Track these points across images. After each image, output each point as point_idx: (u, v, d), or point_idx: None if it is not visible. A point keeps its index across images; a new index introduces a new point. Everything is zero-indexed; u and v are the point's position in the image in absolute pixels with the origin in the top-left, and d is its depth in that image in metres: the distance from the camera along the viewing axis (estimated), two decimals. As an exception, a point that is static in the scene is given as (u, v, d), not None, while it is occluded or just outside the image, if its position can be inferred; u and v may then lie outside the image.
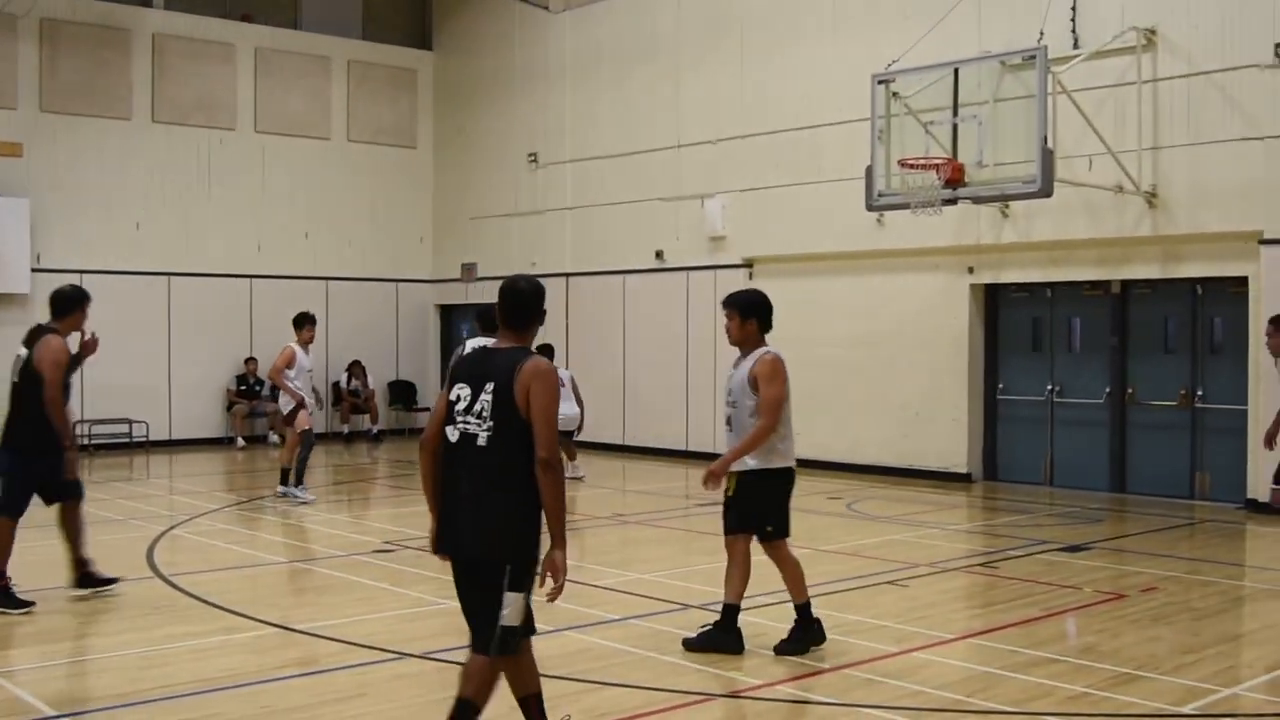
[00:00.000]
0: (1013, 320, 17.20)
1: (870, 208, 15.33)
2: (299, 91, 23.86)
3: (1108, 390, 16.08)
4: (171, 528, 13.30)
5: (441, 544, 5.72)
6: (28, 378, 9.33)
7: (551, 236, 22.81)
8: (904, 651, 8.03)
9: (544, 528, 5.51)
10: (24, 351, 9.51)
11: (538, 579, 5.53)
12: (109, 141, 21.77)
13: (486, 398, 5.50)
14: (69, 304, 9.67)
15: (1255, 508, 14.23)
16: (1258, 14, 14.22)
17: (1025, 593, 10.00)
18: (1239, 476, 14.63)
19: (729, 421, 8.22)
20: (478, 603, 5.59)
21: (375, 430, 23.83)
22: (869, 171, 14.93)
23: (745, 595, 8.10)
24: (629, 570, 11.15)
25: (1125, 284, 16.03)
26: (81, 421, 21.14)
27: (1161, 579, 10.52)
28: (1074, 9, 15.57)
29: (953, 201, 14.37)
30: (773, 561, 8.15)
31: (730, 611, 8.01)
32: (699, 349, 19.97)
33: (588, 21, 22.19)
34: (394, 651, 7.99)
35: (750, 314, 8.19)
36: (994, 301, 17.29)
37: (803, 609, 8.06)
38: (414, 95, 25.32)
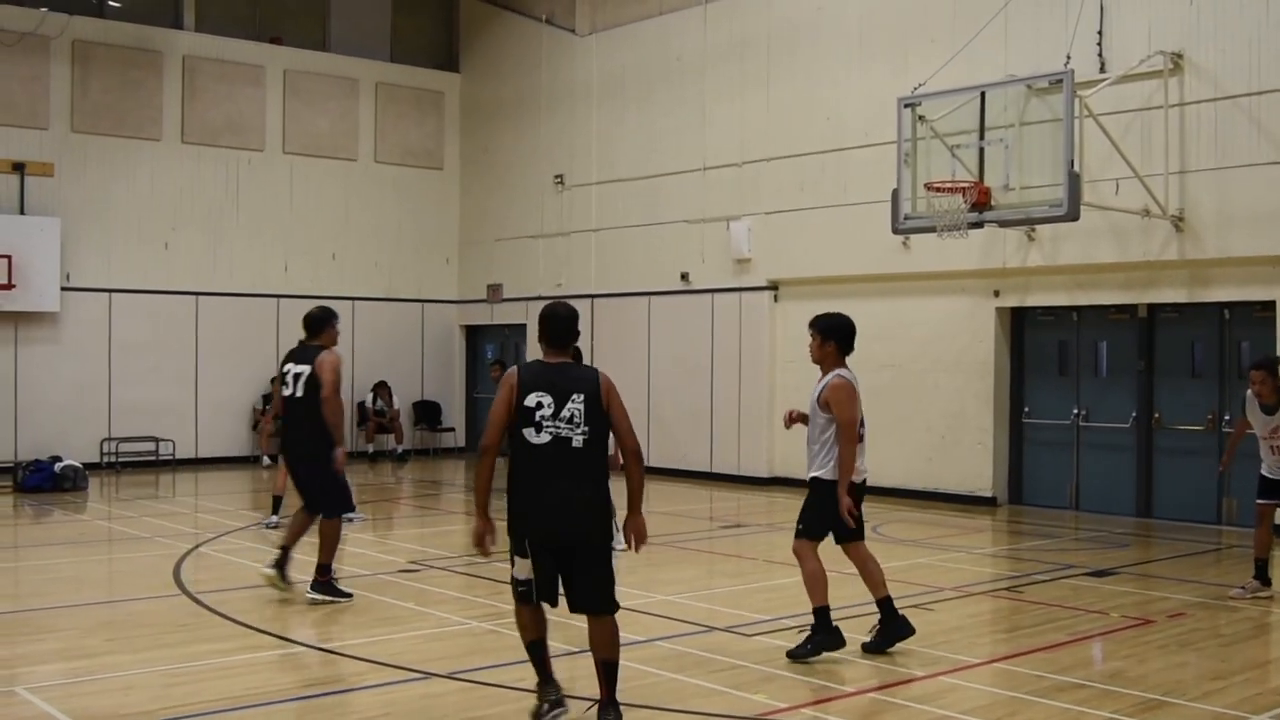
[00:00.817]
0: (1039, 344, 17.16)
1: (896, 231, 15.34)
2: (327, 113, 24.02)
3: (1134, 414, 16.02)
4: (198, 545, 13.36)
5: (528, 532, 6.63)
6: (311, 387, 10.28)
7: (577, 258, 22.88)
8: (929, 676, 8.01)
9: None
10: (300, 369, 10.47)
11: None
12: (139, 162, 21.94)
13: (577, 406, 6.57)
14: (321, 323, 10.78)
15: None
16: (1286, 38, 14.20)
17: (1051, 617, 9.96)
18: None
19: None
20: (582, 577, 6.70)
21: (400, 450, 23.89)
22: (895, 194, 14.94)
23: (762, 613, 8.08)
24: (653, 592, 11.15)
25: (1152, 308, 15.98)
26: (108, 439, 21.28)
27: (1189, 604, 10.47)
28: (1100, 33, 15.58)
29: (979, 225, 14.36)
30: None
31: (821, 614, 8.45)
32: (724, 371, 19.99)
33: (614, 44, 22.29)
34: (420, 671, 8.01)
35: (830, 336, 8.85)
36: (1020, 325, 17.26)
37: (822, 611, 8.52)
38: (441, 117, 25.45)
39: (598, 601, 6.70)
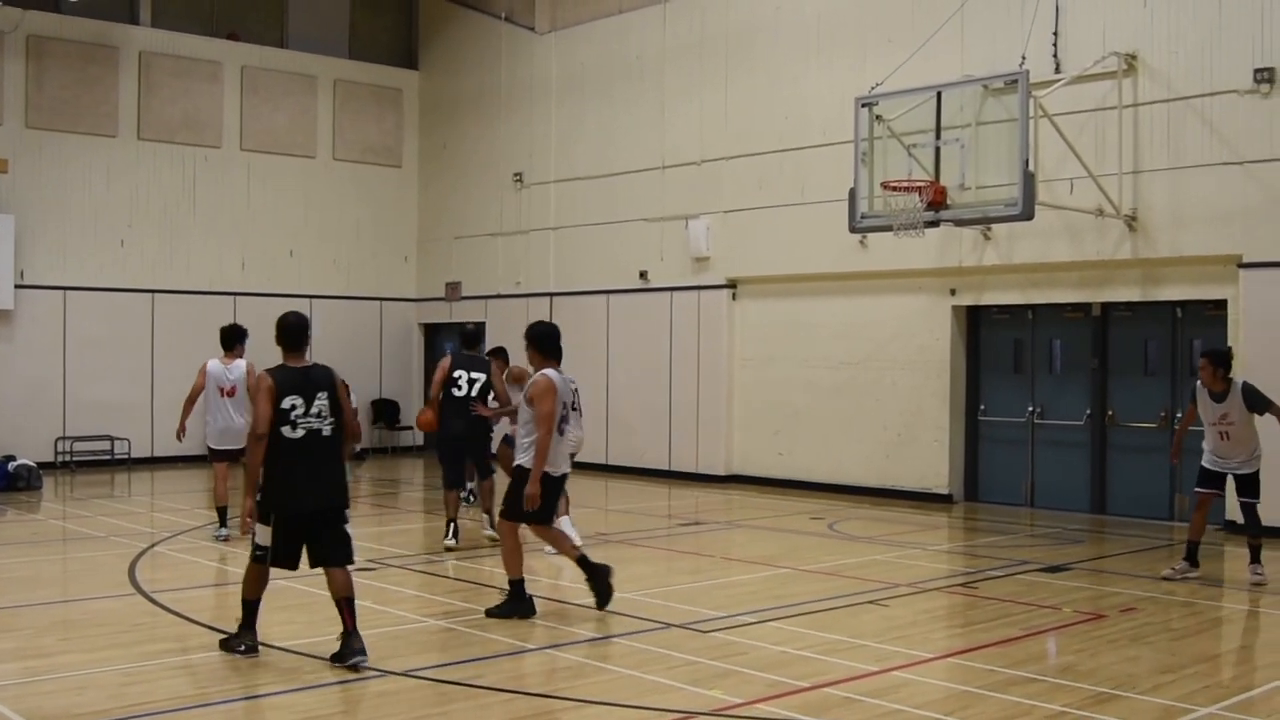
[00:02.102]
0: (994, 342, 17.30)
1: (853, 229, 15.41)
2: (285, 110, 23.91)
3: (1088, 412, 16.18)
4: (153, 545, 13.29)
5: (280, 507, 8.25)
6: (485, 391, 13.06)
7: (536, 256, 22.88)
8: (884, 670, 8.07)
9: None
10: (477, 375, 13.09)
11: None
12: (95, 159, 21.78)
13: (323, 403, 8.35)
14: (477, 339, 13.36)
15: (1234, 529, 14.32)
16: (1237, 40, 14.37)
17: (1005, 613, 10.05)
18: (1218, 498, 14.69)
19: None
20: (331, 535, 8.34)
21: (358, 449, 23.80)
22: (852, 193, 15.01)
23: (719, 609, 8.12)
24: (621, 590, 11.19)
25: (1106, 306, 16.14)
26: (63, 438, 21.12)
27: (1140, 599, 10.59)
28: (1056, 34, 15.71)
29: (935, 224, 14.45)
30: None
31: (516, 584, 9.61)
32: (682, 370, 20.05)
33: (573, 42, 22.30)
34: (376, 669, 8.00)
35: (531, 343, 9.95)
36: (976, 323, 17.39)
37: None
38: (399, 114, 25.39)
39: (343, 557, 8.27)
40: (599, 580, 9.75)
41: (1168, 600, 10.60)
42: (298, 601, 10.30)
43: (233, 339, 14.02)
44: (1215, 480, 11.66)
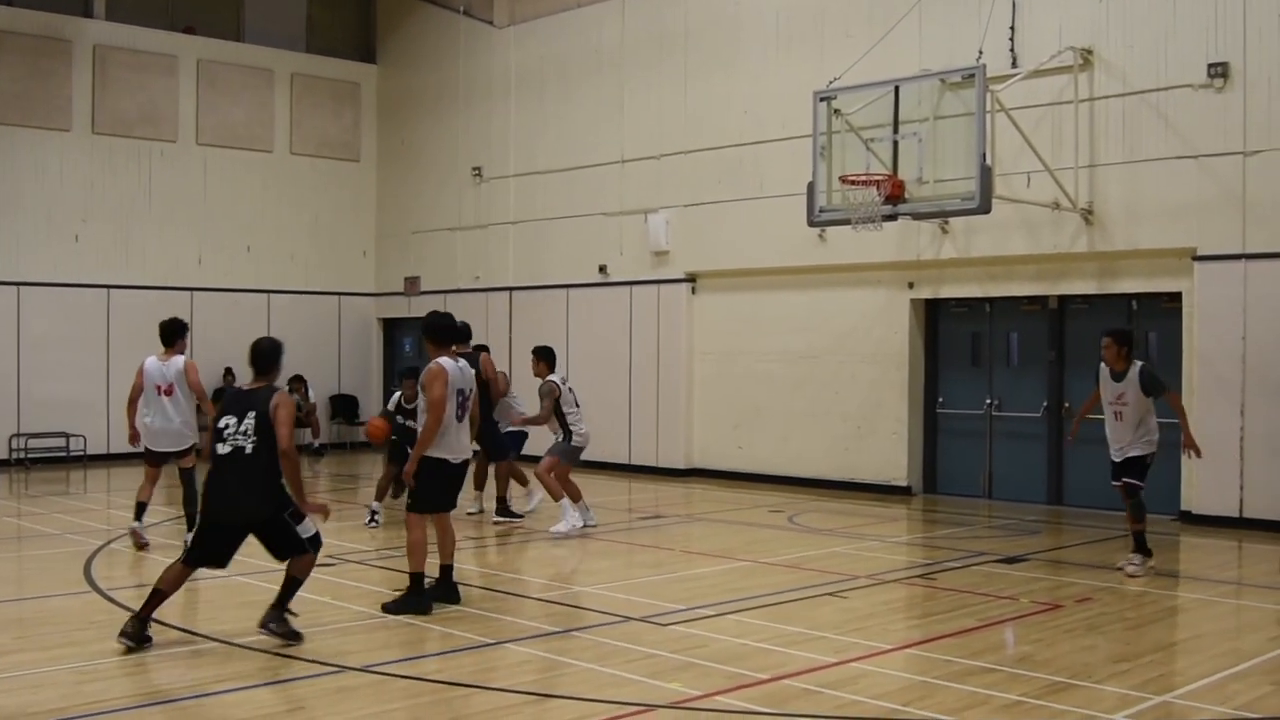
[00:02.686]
0: (952, 335, 17.39)
1: (812, 223, 15.45)
2: (242, 104, 23.76)
3: (1045, 404, 16.29)
4: (109, 542, 13.18)
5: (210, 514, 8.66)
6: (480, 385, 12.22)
7: (495, 251, 22.82)
8: (842, 662, 8.10)
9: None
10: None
11: None
12: (48, 153, 21.58)
13: (250, 422, 8.51)
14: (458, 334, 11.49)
15: (1189, 519, 14.47)
16: (1192, 35, 14.49)
17: (963, 603, 10.11)
18: (1173, 488, 14.85)
19: None
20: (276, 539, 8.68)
21: (317, 444, 23.69)
22: (810, 188, 15.05)
23: (679, 602, 8.13)
24: (571, 584, 11.19)
25: (1062, 299, 16.25)
26: (18, 435, 20.92)
27: (1097, 589, 10.68)
28: (1013, 29, 15.80)
29: (893, 218, 14.50)
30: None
31: (416, 578, 9.62)
32: (642, 363, 20.05)
33: (533, 36, 22.25)
34: (334, 664, 7.97)
35: (424, 333, 10.04)
36: (934, 316, 17.47)
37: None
38: (357, 108, 25.28)
39: (296, 549, 8.63)
40: (440, 591, 9.83)
41: (1123, 590, 10.69)
42: (255, 598, 10.24)
43: (172, 334, 13.25)
44: (1125, 468, 11.69)
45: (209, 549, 8.64)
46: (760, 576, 11.33)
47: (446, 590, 9.83)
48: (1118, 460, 11.66)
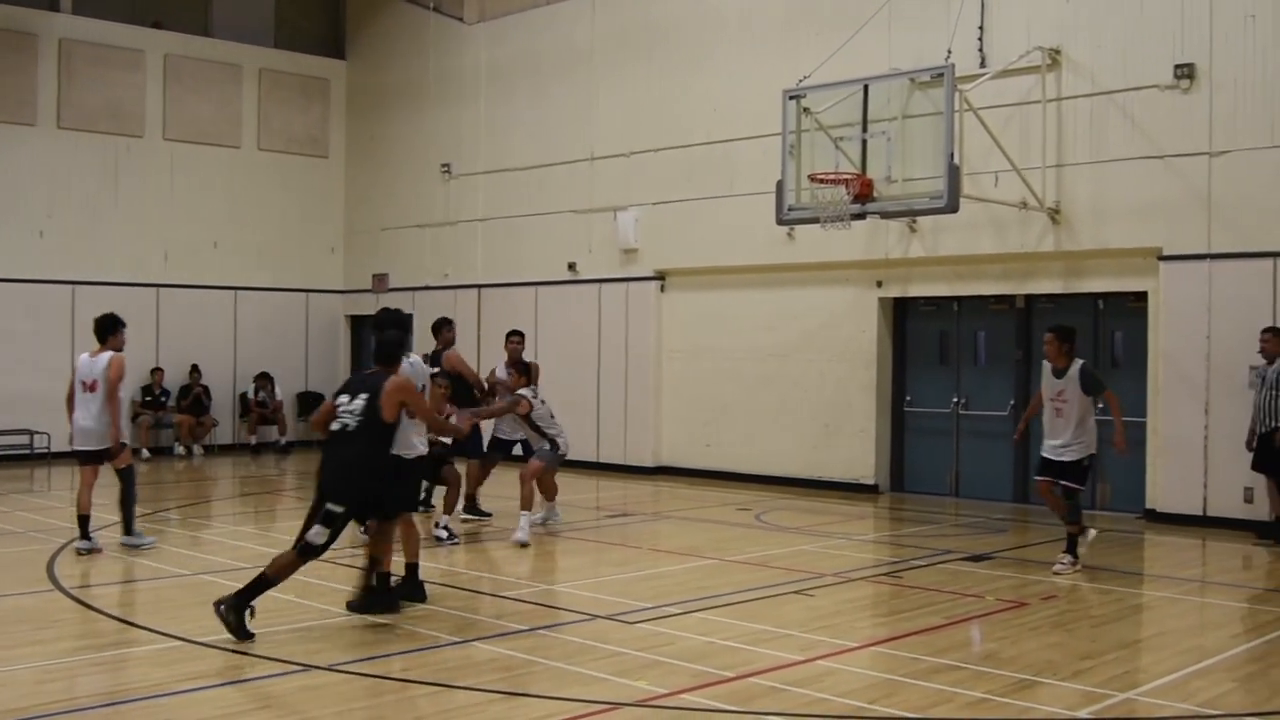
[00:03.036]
0: (920, 333, 17.44)
1: (780, 222, 15.46)
2: (209, 99, 23.62)
3: (1012, 402, 16.35)
4: (73, 540, 13.07)
5: None
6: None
7: (464, 248, 22.77)
8: (808, 660, 8.11)
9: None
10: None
11: None
12: (13, 147, 21.40)
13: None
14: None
15: (1153, 517, 14.56)
16: (1158, 36, 14.57)
17: (929, 601, 10.14)
18: (1138, 486, 14.95)
19: None
20: None
21: (284, 442, 23.59)
22: (779, 186, 15.06)
23: (646, 600, 8.12)
24: (538, 581, 11.17)
25: (1029, 298, 16.32)
26: (-18, 432, 20.75)
27: (1062, 587, 10.73)
28: (981, 28, 15.86)
29: (861, 216, 14.52)
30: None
31: (383, 579, 9.61)
32: (610, 361, 20.04)
33: (503, 33, 22.20)
34: (299, 664, 7.93)
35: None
36: (902, 315, 17.52)
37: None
38: (326, 104, 25.16)
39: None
40: (406, 589, 9.81)
41: (1088, 588, 10.74)
42: (218, 597, 10.19)
43: (103, 330, 12.76)
44: (1052, 468, 11.56)
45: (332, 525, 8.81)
46: (727, 574, 11.33)
47: (412, 588, 9.80)
48: (1052, 459, 11.53)
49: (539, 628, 9.07)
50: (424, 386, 10.22)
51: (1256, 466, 13.27)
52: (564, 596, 10.19)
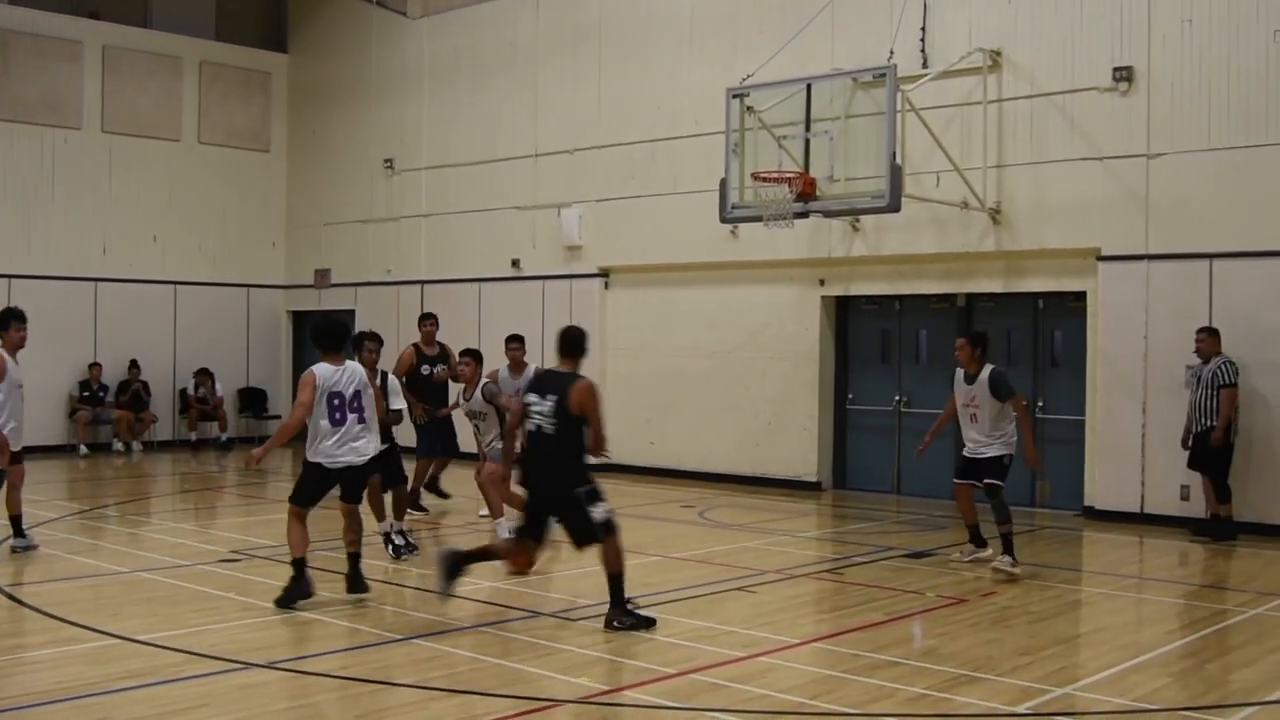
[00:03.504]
0: (862, 332, 17.54)
1: (724, 220, 15.51)
2: (149, 91, 23.36)
3: (953, 401, 16.45)
4: (8, 538, 12.89)
5: None
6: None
7: (407, 243, 22.66)
8: (750, 656, 8.14)
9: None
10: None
11: None
12: (-53, 138, 21.09)
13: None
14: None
15: (1092, 514, 14.73)
16: (1097, 39, 14.73)
17: (870, 598, 10.20)
18: (1077, 484, 15.12)
19: None
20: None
21: (224, 438, 23.38)
22: (723, 184, 15.10)
23: (589, 597, 8.09)
24: (480, 578, 11.12)
25: (970, 297, 16.45)
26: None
27: (1001, 583, 10.82)
28: (923, 29, 15.96)
29: (804, 215, 14.60)
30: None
31: (298, 564, 9.58)
32: (554, 357, 19.94)
33: (446, 28, 22.11)
34: (239, 661, 7.87)
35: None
36: (844, 313, 17.61)
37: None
38: (267, 98, 24.95)
39: (589, 537, 9.11)
40: (350, 579, 9.90)
41: (1028, 584, 10.84)
42: (156, 594, 10.10)
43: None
44: (973, 467, 11.62)
45: (529, 524, 9.13)
46: (670, 571, 11.36)
47: (354, 579, 9.81)
48: (972, 457, 11.60)
49: (481, 625, 9.05)
50: (349, 394, 9.59)
51: (1192, 465, 13.47)
52: (506, 593, 10.16)
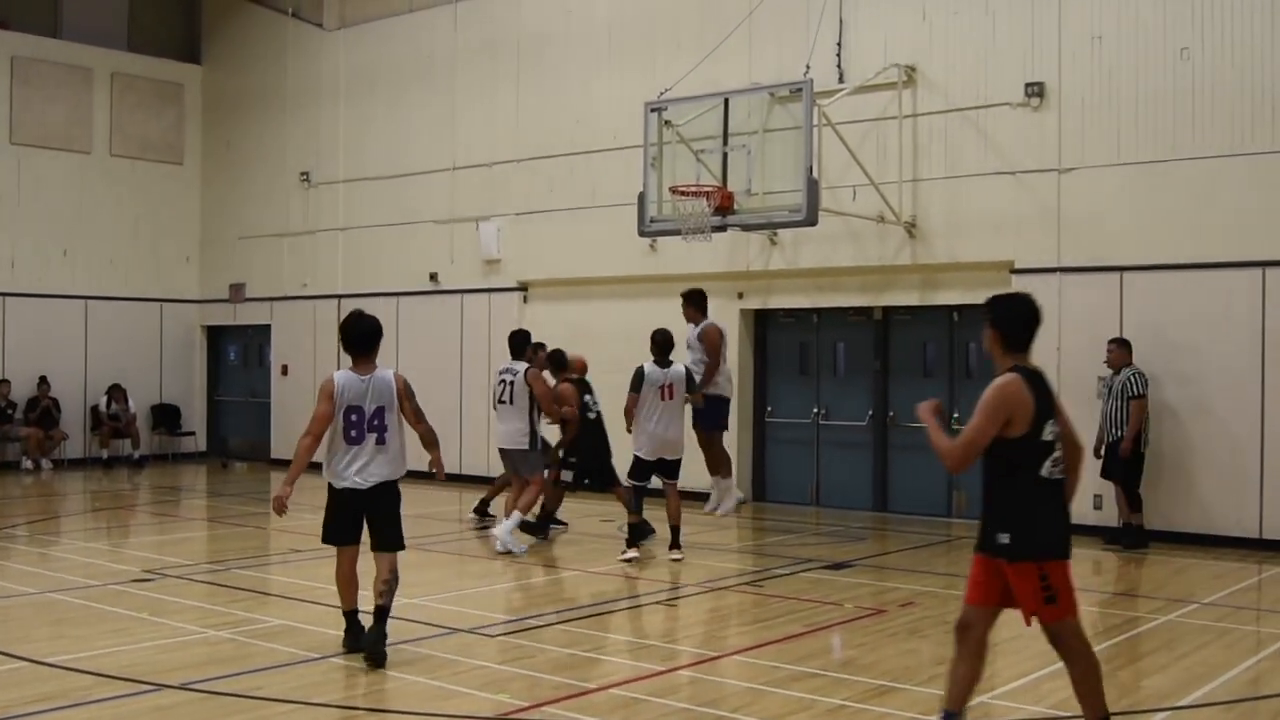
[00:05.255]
0: (781, 345, 17.63)
1: (643, 233, 15.53)
2: (59, 103, 22.95)
3: (870, 413, 16.61)
4: (-88, 558, 12.62)
5: None
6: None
7: (324, 257, 22.45)
8: (670, 670, 8.14)
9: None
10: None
11: None
12: None
13: None
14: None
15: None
16: (1010, 56, 14.94)
17: (790, 610, 10.24)
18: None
19: None
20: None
21: (137, 455, 23.00)
22: (641, 198, 15.11)
23: (508, 613, 8.03)
24: (398, 595, 11.02)
25: (887, 310, 16.60)
26: None
27: (919, 594, 10.91)
28: (839, 45, 16.10)
29: (723, 229, 14.64)
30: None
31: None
32: (473, 372, 19.90)
33: (363, 40, 21.96)
34: (151, 683, 7.73)
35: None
36: (763, 326, 17.70)
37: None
38: (181, 109, 24.62)
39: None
40: (360, 640, 8.46)
41: (946, 594, 10.93)
42: (65, 615, 9.91)
43: None
44: (649, 470, 13.15)
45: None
46: (590, 585, 11.33)
47: (362, 634, 8.50)
48: (649, 458, 13.07)
49: (399, 642, 8.95)
50: (373, 408, 8.42)
51: (1105, 474, 13.67)
52: (425, 610, 10.07)
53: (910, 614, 10.07)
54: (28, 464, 21.87)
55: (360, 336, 8.67)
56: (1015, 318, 6.82)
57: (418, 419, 8.70)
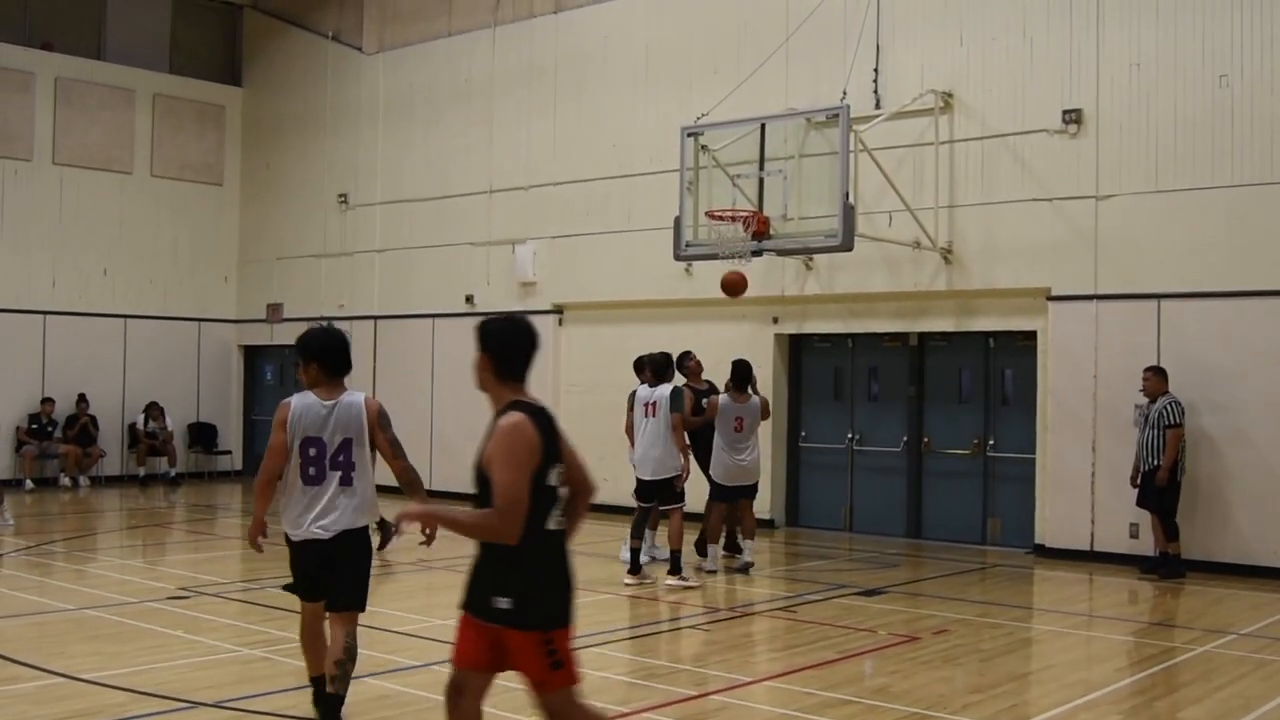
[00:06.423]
0: (815, 370, 17.60)
1: (678, 257, 15.56)
2: (101, 124, 23.20)
3: (905, 438, 16.55)
4: (-49, 573, 12.74)
5: None
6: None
7: (361, 279, 22.58)
8: (703, 694, 8.12)
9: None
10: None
11: None
12: (-106, 169, 20.86)
13: None
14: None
15: (1043, 552, 14.81)
16: (1047, 82, 14.92)
17: (823, 636, 10.21)
18: (1028, 522, 15.20)
19: None
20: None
21: (173, 473, 23.14)
22: (677, 222, 15.15)
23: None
24: (431, 616, 11.05)
25: (922, 336, 16.56)
26: None
27: (953, 621, 10.86)
28: (876, 71, 16.11)
29: (758, 253, 14.65)
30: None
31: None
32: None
33: (402, 64, 22.12)
34: (186, 700, 7.77)
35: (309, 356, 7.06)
36: (798, 351, 17.68)
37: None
38: (221, 131, 24.84)
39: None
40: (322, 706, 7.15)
41: (979, 622, 10.89)
42: (101, 632, 9.97)
43: None
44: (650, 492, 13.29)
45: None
46: (623, 609, 11.33)
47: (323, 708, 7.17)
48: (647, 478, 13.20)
49: (432, 663, 8.97)
50: (338, 441, 6.95)
51: (1141, 503, 13.58)
52: (449, 632, 10.07)
53: (944, 641, 10.02)
54: (65, 481, 22.04)
55: (327, 350, 7.00)
56: (511, 343, 5.74)
57: (395, 454, 7.10)
